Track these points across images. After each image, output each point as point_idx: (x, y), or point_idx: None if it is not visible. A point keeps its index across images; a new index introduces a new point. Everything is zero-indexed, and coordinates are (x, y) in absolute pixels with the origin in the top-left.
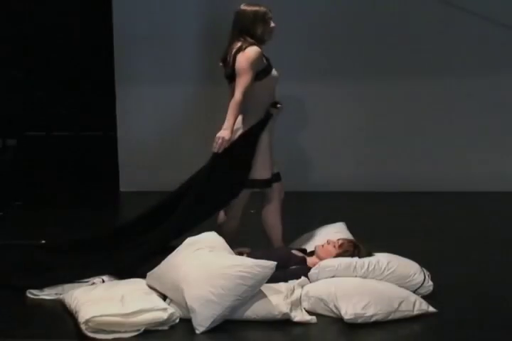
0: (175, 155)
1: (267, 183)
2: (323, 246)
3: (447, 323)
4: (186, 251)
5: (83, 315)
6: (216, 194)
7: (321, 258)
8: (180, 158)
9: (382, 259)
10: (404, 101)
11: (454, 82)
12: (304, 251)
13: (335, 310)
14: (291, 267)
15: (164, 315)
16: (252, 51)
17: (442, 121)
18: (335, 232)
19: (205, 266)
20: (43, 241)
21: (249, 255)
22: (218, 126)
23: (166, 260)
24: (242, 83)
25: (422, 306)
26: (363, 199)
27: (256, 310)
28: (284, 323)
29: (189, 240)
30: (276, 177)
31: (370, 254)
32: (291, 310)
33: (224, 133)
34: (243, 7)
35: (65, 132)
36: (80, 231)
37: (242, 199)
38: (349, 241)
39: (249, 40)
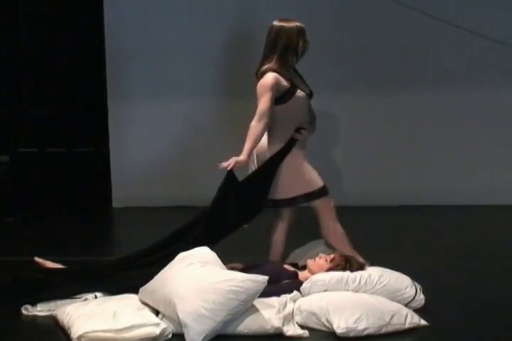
0: (167, 171)
1: (318, 194)
2: (314, 260)
3: (439, 336)
4: (178, 266)
5: (76, 331)
6: (236, 214)
7: (312, 273)
8: (173, 174)
9: (373, 273)
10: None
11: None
12: (295, 265)
13: (327, 324)
14: (283, 281)
15: (157, 330)
16: (268, 78)
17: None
18: (327, 246)
19: (197, 281)
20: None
21: (241, 270)
22: (211, 141)
23: (158, 275)
24: (258, 110)
25: (414, 319)
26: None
27: (248, 325)
28: (277, 337)
29: (181, 255)
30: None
31: (361, 268)
32: (283, 324)
33: (240, 157)
34: (281, 23)
35: (57, 148)
36: (73, 248)
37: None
38: (340, 255)
39: (289, 58)
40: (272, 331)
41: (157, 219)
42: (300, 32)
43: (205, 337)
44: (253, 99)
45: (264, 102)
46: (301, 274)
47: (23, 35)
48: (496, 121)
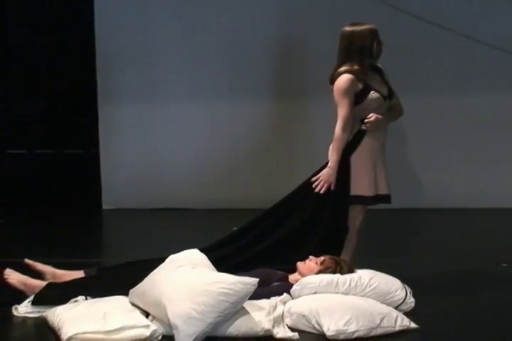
0: (157, 173)
1: (368, 201)
2: (305, 262)
3: (429, 339)
4: (168, 268)
5: (66, 332)
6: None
7: (303, 275)
8: (162, 176)
9: (363, 276)
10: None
11: None
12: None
13: (317, 327)
14: (274, 284)
15: (147, 332)
16: (342, 80)
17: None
18: None
19: (187, 283)
20: None
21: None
22: (200, 142)
23: (148, 277)
24: (340, 116)
25: (404, 322)
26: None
27: (238, 327)
28: (267, 340)
29: (171, 257)
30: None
31: (351, 271)
32: (273, 326)
33: (327, 174)
34: (352, 28)
35: (47, 150)
36: (63, 249)
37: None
38: (331, 257)
39: (366, 61)
40: (261, 333)
41: (147, 221)
42: (373, 33)
43: (195, 339)
44: (235, 102)
45: (344, 107)
46: (292, 276)
47: (12, 36)
48: None
